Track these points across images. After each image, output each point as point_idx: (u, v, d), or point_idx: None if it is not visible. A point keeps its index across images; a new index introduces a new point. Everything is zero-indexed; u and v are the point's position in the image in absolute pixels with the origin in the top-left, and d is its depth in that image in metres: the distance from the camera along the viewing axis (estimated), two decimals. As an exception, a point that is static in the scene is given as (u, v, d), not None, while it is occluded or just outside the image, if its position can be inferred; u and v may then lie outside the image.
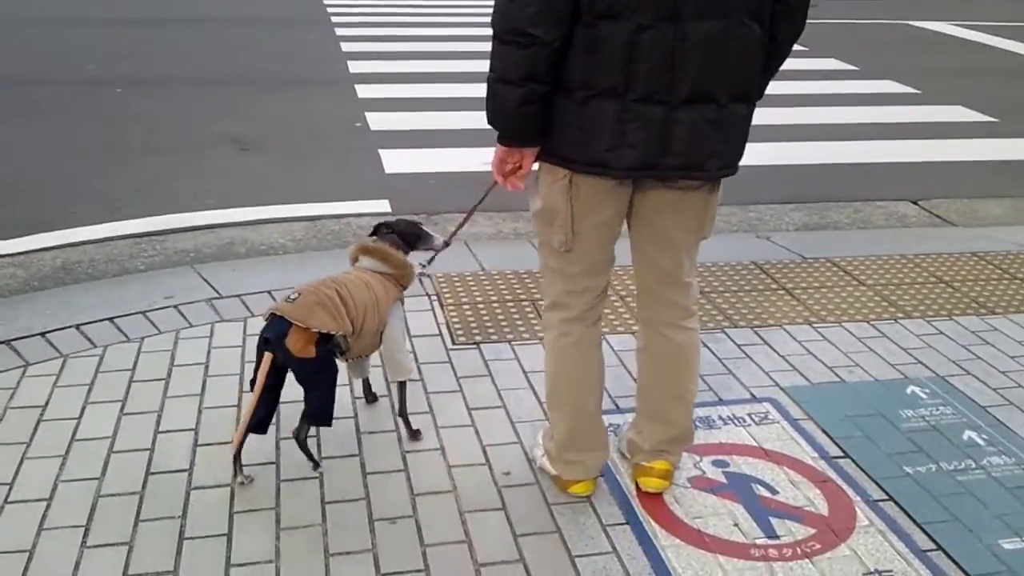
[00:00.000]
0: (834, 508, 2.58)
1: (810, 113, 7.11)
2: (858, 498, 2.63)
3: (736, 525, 2.50)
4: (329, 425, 2.61)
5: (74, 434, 2.81)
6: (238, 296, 3.68)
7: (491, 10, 2.14)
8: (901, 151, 6.32)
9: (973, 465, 2.80)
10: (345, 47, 9.13)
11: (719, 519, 2.53)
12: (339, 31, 9.96)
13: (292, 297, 2.52)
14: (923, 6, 12.77)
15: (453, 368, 3.24)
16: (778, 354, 3.42)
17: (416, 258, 2.85)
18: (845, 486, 2.67)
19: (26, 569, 2.28)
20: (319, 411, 2.56)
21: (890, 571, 2.35)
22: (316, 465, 2.65)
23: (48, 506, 2.50)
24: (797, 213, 5.11)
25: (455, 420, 2.94)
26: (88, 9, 10.69)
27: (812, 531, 2.49)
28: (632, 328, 3.49)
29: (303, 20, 10.59)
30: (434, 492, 2.60)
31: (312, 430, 2.70)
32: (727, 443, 2.87)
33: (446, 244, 2.85)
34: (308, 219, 4.78)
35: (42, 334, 3.35)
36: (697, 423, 2.85)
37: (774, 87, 2.46)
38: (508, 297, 3.80)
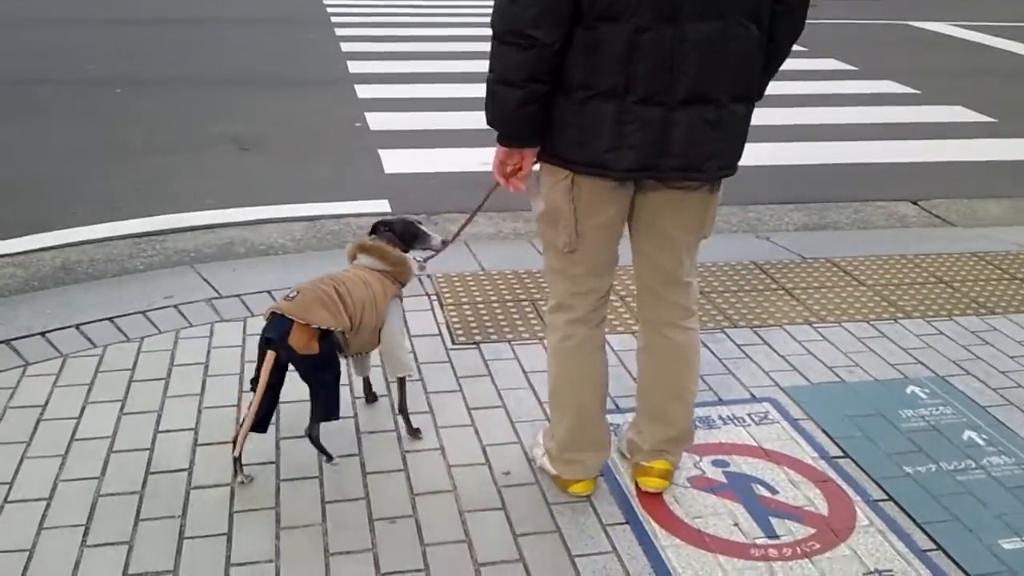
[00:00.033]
0: (834, 508, 2.58)
1: (810, 113, 7.11)
2: (858, 498, 2.63)
3: (736, 525, 2.51)
4: (338, 418, 2.63)
5: (74, 434, 2.81)
6: (238, 296, 3.68)
7: (491, 10, 2.14)
8: (901, 151, 6.32)
9: (973, 465, 2.80)
10: (345, 47, 9.13)
11: (719, 519, 2.53)
12: (339, 31, 9.97)
13: (291, 295, 2.54)
14: (923, 6, 12.78)
15: (453, 368, 3.24)
16: (778, 354, 3.42)
17: (415, 257, 2.85)
18: (845, 486, 2.67)
19: (26, 568, 2.28)
20: (327, 407, 2.58)
21: (890, 571, 2.36)
22: (330, 458, 2.68)
23: (48, 505, 2.50)
24: (797, 213, 5.12)
25: (455, 420, 2.94)
26: (88, 9, 10.69)
27: (812, 531, 2.49)
28: (632, 328, 3.49)
29: (303, 20, 10.59)
30: (434, 492, 2.60)
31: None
32: (727, 443, 2.87)
33: (444, 244, 2.85)
34: (308, 219, 4.78)
35: (42, 334, 3.35)
36: (697, 423, 2.85)
37: (774, 87, 2.46)
38: (508, 297, 3.80)
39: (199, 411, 2.93)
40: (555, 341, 2.51)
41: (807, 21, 2.30)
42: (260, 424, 2.54)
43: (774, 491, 2.64)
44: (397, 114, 6.81)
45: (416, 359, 3.25)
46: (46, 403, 2.96)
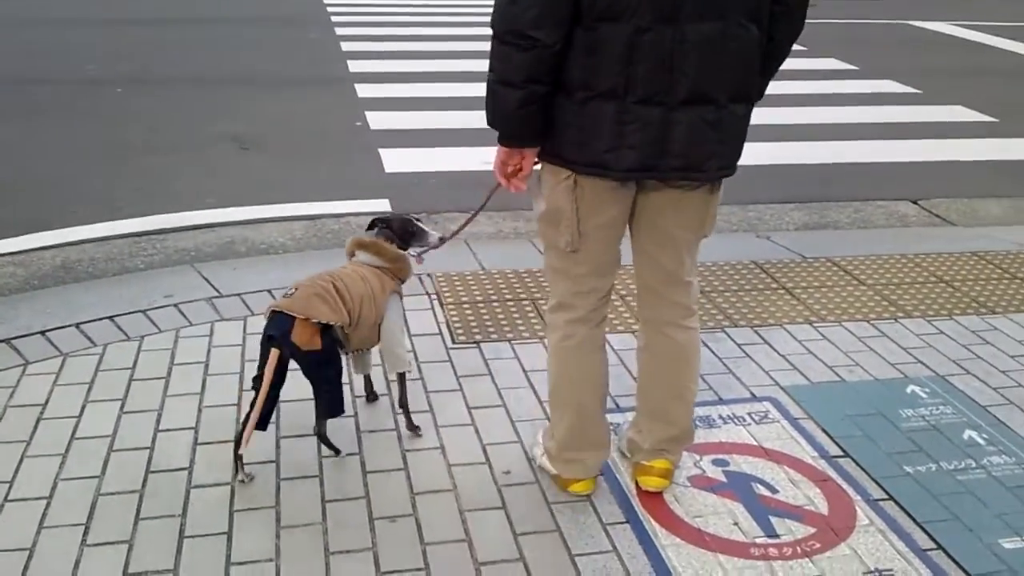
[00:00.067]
0: (834, 507, 2.58)
1: (810, 113, 7.11)
2: (858, 497, 2.63)
3: (736, 524, 2.50)
4: (344, 413, 2.65)
5: (74, 432, 2.81)
6: (238, 295, 3.68)
7: (491, 10, 2.14)
8: (901, 151, 6.32)
9: (973, 464, 2.80)
10: (345, 46, 9.13)
11: (719, 518, 2.53)
12: (339, 30, 9.96)
13: (289, 292, 2.55)
14: (923, 6, 12.77)
15: (453, 367, 3.24)
16: (778, 353, 3.42)
17: (411, 252, 2.86)
18: (845, 485, 2.67)
19: (26, 567, 2.28)
20: (332, 403, 2.60)
21: (890, 570, 2.36)
22: (338, 452, 2.70)
23: (48, 504, 2.50)
24: (797, 213, 5.12)
25: (455, 419, 2.94)
26: (88, 9, 10.68)
27: (812, 530, 2.49)
28: (632, 327, 3.49)
29: (303, 19, 10.59)
30: (434, 491, 2.60)
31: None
32: (727, 442, 2.87)
33: (442, 241, 2.85)
34: (308, 218, 4.78)
35: (42, 333, 3.35)
36: (697, 422, 2.85)
37: (775, 87, 2.46)
38: (508, 296, 3.80)
39: (199, 410, 2.93)
40: (555, 340, 2.51)
41: (807, 21, 2.30)
42: (261, 422, 2.54)
43: (774, 490, 2.64)
44: (397, 113, 6.81)
45: (416, 358, 3.25)
46: (46, 402, 2.96)
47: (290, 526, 2.44)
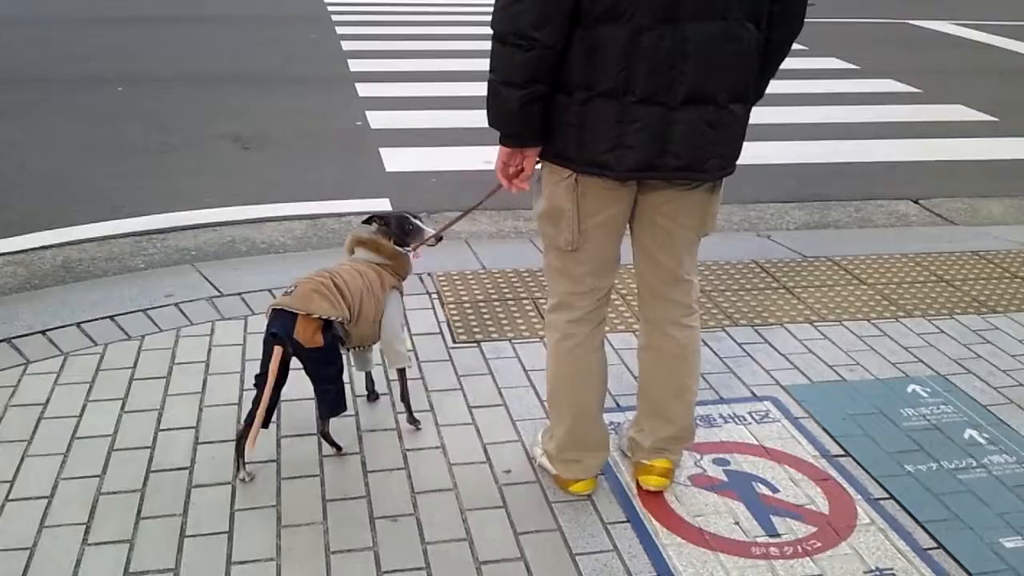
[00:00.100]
0: (835, 506, 2.58)
1: (811, 112, 7.11)
2: (859, 496, 2.63)
3: (737, 523, 2.50)
4: (345, 411, 2.65)
5: (75, 432, 2.81)
6: (239, 294, 3.68)
7: (491, 9, 2.14)
8: (902, 150, 6.32)
9: (974, 464, 2.80)
10: (346, 46, 9.13)
11: (720, 517, 2.53)
12: (340, 30, 9.96)
13: (289, 290, 2.56)
14: (924, 5, 12.77)
15: (454, 366, 3.24)
16: (779, 353, 3.42)
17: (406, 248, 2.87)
18: (846, 484, 2.67)
19: (27, 566, 2.28)
20: (334, 401, 2.61)
21: (891, 569, 2.36)
22: (339, 449, 2.71)
23: (49, 504, 2.50)
24: (798, 212, 5.12)
25: (456, 418, 2.94)
26: (90, 7, 10.68)
27: (813, 529, 2.49)
28: (633, 327, 3.49)
29: (304, 19, 10.58)
30: (435, 490, 2.60)
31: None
32: (728, 441, 2.87)
33: (438, 239, 2.86)
34: (309, 217, 4.79)
35: (43, 332, 3.35)
36: (698, 421, 2.85)
37: (776, 86, 2.46)
38: (508, 295, 3.80)
39: (200, 409, 2.93)
40: (555, 341, 2.51)
41: (808, 20, 2.30)
42: (264, 420, 2.54)
43: (775, 489, 2.64)
44: (398, 113, 6.81)
45: (417, 357, 3.25)
46: (47, 401, 2.96)
47: (291, 525, 2.44)
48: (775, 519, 2.52)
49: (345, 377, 2.67)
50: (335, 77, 7.84)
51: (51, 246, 4.35)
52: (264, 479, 2.61)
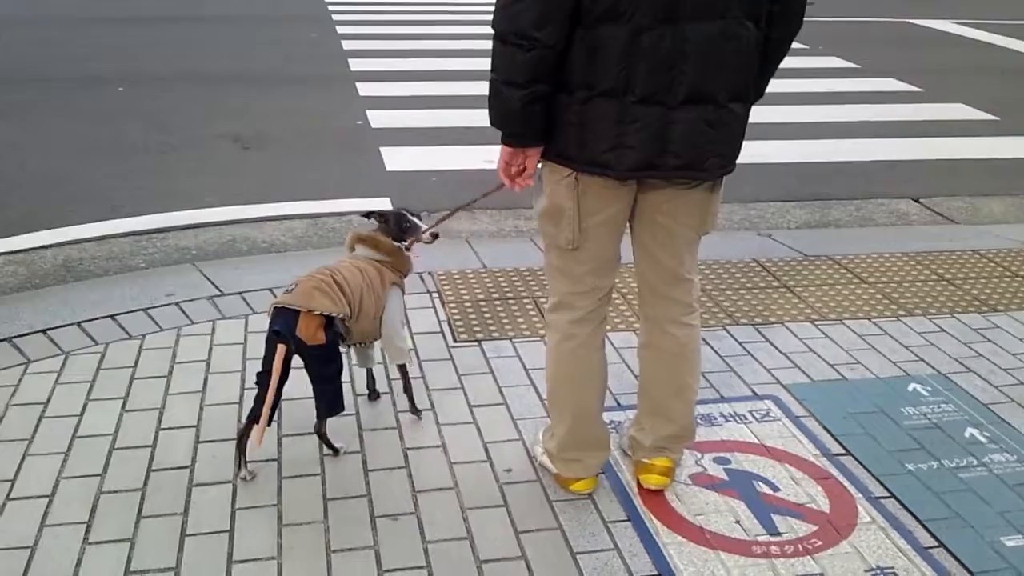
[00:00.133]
0: (836, 505, 2.58)
1: (812, 111, 7.11)
2: (860, 495, 2.63)
3: (738, 522, 2.50)
4: (343, 410, 2.66)
5: (76, 431, 2.81)
6: (239, 293, 3.68)
7: (492, 9, 2.14)
8: (903, 149, 6.32)
9: (975, 462, 2.80)
10: (346, 45, 9.13)
11: (721, 516, 2.53)
12: (340, 29, 9.97)
13: (290, 288, 2.56)
14: (925, 4, 12.76)
15: (454, 365, 3.24)
16: (780, 351, 3.42)
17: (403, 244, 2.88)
18: (847, 483, 2.67)
19: (28, 565, 2.28)
20: (332, 401, 2.62)
21: (891, 568, 2.35)
22: (336, 451, 2.71)
23: (50, 503, 2.50)
24: (799, 211, 5.11)
25: (456, 417, 2.94)
26: (90, 7, 10.69)
27: (814, 528, 2.49)
28: (633, 325, 3.49)
29: (304, 18, 10.59)
30: (436, 489, 2.60)
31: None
32: (729, 440, 2.87)
33: (435, 236, 2.86)
34: (309, 217, 4.79)
35: (43, 331, 3.35)
36: (699, 420, 2.85)
37: (776, 85, 2.45)
38: (509, 294, 3.80)
39: (201, 408, 2.93)
40: (555, 341, 2.51)
41: (808, 19, 2.30)
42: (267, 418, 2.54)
43: (776, 488, 2.64)
44: (398, 112, 6.81)
45: (417, 356, 3.25)
46: (48, 400, 2.96)
47: (292, 524, 2.45)
48: (776, 518, 2.52)
49: (344, 377, 2.67)
50: (335, 76, 7.84)
51: (51, 245, 4.35)
52: (265, 478, 2.61)
